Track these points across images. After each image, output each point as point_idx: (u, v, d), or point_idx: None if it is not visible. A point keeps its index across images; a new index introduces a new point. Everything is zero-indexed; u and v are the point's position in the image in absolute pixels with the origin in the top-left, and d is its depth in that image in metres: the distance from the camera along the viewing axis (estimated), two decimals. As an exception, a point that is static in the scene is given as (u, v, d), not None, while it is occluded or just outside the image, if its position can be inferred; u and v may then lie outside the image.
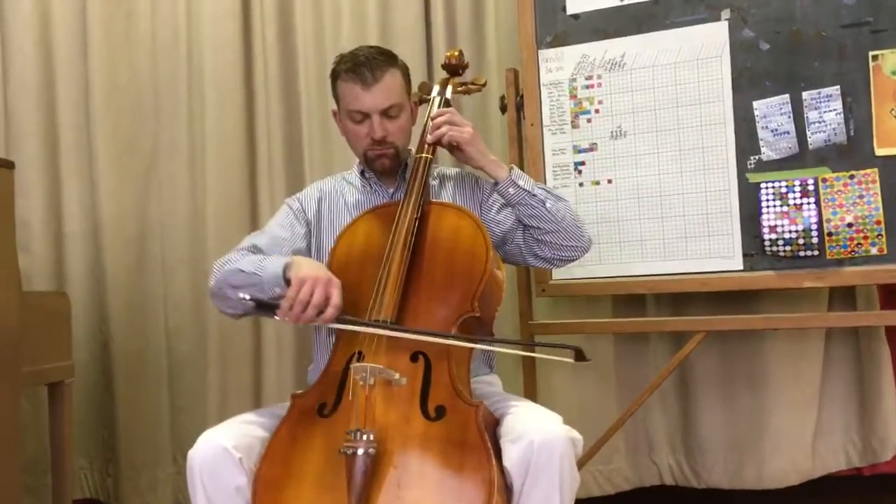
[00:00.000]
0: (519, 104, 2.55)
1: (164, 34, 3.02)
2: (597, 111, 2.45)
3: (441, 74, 2.12)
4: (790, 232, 2.24)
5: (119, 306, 2.99)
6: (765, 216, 2.27)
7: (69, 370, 2.53)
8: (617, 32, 2.42)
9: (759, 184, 2.28)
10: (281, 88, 2.96)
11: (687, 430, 2.73)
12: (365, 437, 1.46)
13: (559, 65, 2.48)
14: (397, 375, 1.55)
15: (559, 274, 2.46)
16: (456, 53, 2.10)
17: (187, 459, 1.58)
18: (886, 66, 2.18)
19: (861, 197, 2.19)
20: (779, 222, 2.25)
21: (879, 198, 2.18)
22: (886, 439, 2.58)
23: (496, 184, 1.85)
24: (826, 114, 2.22)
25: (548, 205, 1.82)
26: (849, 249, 2.20)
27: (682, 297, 2.61)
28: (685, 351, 2.38)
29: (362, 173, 1.99)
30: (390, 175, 1.95)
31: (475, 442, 1.47)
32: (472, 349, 1.70)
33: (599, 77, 2.44)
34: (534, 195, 1.82)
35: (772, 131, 2.27)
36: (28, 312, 2.28)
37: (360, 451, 1.44)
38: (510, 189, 1.82)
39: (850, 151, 2.21)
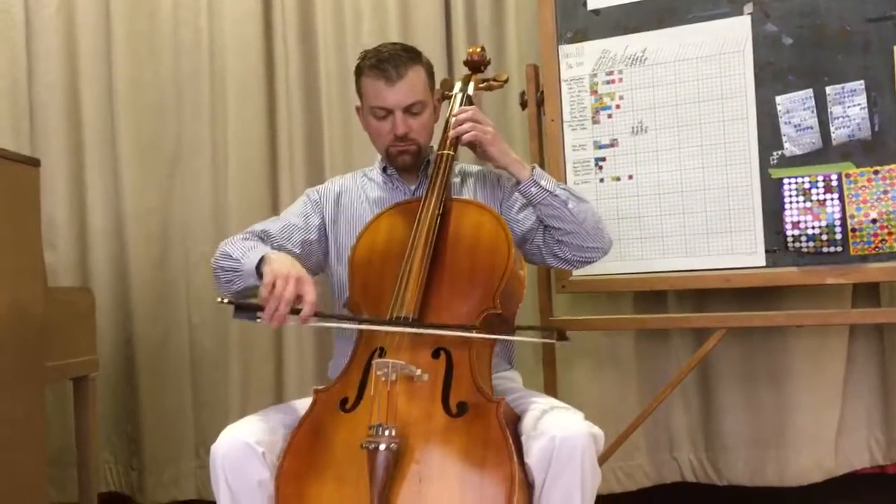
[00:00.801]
0: (539, 100, 2.54)
1: (187, 33, 3.05)
2: (617, 107, 2.44)
3: (463, 71, 2.12)
4: (813, 228, 2.22)
5: (142, 302, 3.03)
6: (787, 212, 2.25)
7: (93, 365, 2.56)
8: (638, 27, 2.40)
9: (781, 179, 2.27)
10: (302, 87, 2.98)
11: (708, 427, 2.72)
12: (387, 433, 1.46)
13: (580, 60, 2.48)
14: (419, 371, 1.55)
15: (579, 270, 2.44)
16: (478, 50, 2.10)
17: (210, 454, 1.59)
18: (911, 60, 2.15)
19: (885, 192, 2.17)
20: (802, 218, 2.24)
21: (904, 193, 2.16)
22: (910, 436, 2.56)
23: (518, 183, 1.85)
24: (850, 108, 2.20)
25: (570, 205, 1.82)
26: (873, 245, 2.18)
27: (703, 294, 2.60)
28: (706, 347, 2.37)
29: (384, 170, 2.00)
30: (412, 172, 1.96)
31: (497, 438, 1.47)
32: (492, 345, 1.71)
33: (620, 72, 2.43)
34: (556, 195, 1.82)
35: (795, 126, 2.25)
36: (53, 308, 2.31)
37: (382, 446, 1.45)
38: (532, 189, 1.82)
39: (875, 146, 2.18)
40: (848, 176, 2.20)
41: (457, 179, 1.98)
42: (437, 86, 2.06)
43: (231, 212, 2.98)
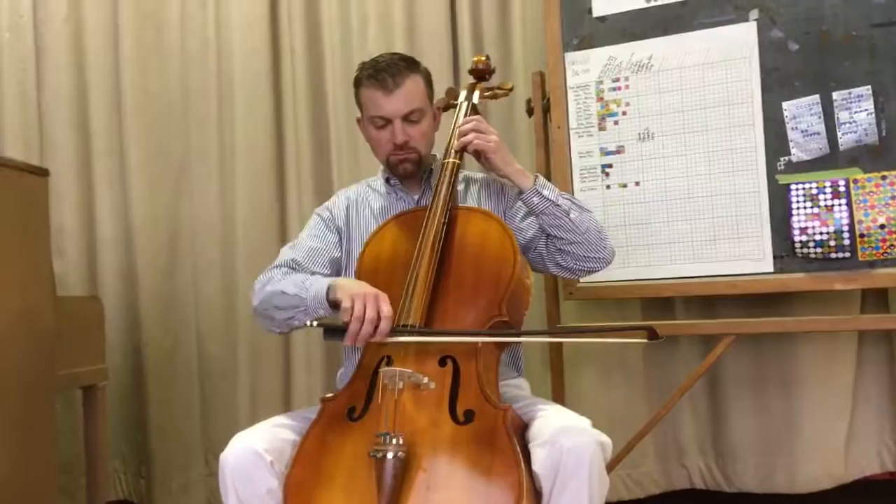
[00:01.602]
0: (545, 107, 2.55)
1: (194, 43, 3.07)
2: (624, 113, 2.44)
3: (468, 80, 2.13)
4: (821, 234, 2.22)
5: (151, 310, 3.04)
6: (795, 218, 2.25)
7: (103, 373, 2.57)
8: (644, 34, 2.41)
9: (789, 185, 2.26)
10: (309, 95, 2.99)
11: (717, 434, 2.72)
12: (394, 441, 1.46)
13: (586, 67, 2.48)
14: (426, 379, 1.55)
15: (587, 277, 2.43)
16: (483, 59, 2.11)
17: (219, 462, 1.59)
18: (918, 65, 2.15)
19: (893, 198, 2.16)
20: (809, 224, 2.23)
21: (912, 198, 2.15)
22: (921, 443, 2.55)
23: (521, 192, 1.85)
24: (857, 114, 2.20)
25: (572, 215, 1.82)
26: (881, 251, 2.17)
27: (711, 300, 2.59)
28: (715, 354, 2.36)
29: (387, 180, 2.00)
30: (415, 181, 1.96)
31: (504, 446, 1.47)
32: (499, 353, 1.71)
33: (626, 79, 2.44)
34: (558, 205, 1.82)
35: (802, 132, 2.25)
36: (62, 317, 2.32)
37: (390, 455, 1.45)
38: (534, 198, 1.82)
39: (882, 152, 2.18)
40: (856, 181, 2.20)
41: (461, 187, 1.98)
42: (443, 94, 2.07)
43: (239, 219, 3.00)
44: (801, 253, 2.24)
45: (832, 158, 2.22)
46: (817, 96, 2.23)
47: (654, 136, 2.41)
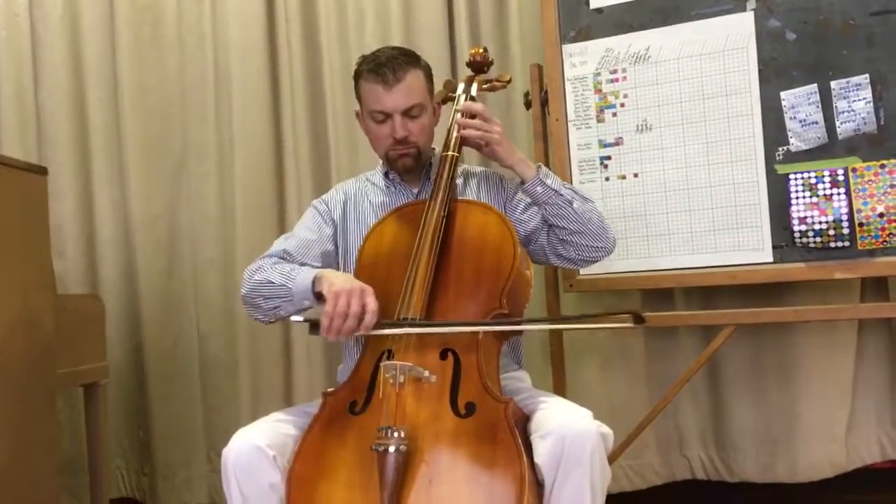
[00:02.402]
0: (543, 99, 2.54)
1: (191, 38, 3.06)
2: (622, 105, 2.44)
3: (466, 72, 2.12)
4: (820, 223, 2.22)
5: (151, 307, 3.04)
6: (794, 207, 2.25)
7: (104, 371, 2.57)
8: (641, 25, 2.40)
9: (787, 175, 2.26)
10: (306, 90, 2.99)
11: (718, 424, 2.72)
12: (396, 434, 1.47)
13: (583, 59, 2.48)
14: (427, 373, 1.56)
15: (586, 269, 2.44)
16: (480, 51, 2.10)
17: (222, 458, 1.60)
18: (916, 53, 2.15)
19: (893, 186, 2.16)
20: (808, 213, 2.23)
21: (911, 187, 2.15)
22: (922, 431, 2.55)
23: (523, 182, 1.85)
24: (855, 103, 2.19)
25: (574, 205, 1.82)
26: (880, 240, 2.17)
27: (711, 291, 2.59)
28: (715, 345, 2.37)
29: (386, 174, 2.00)
30: (414, 175, 1.96)
31: (505, 438, 1.48)
32: (500, 346, 1.71)
33: (624, 71, 2.43)
34: (561, 195, 1.82)
35: (800, 122, 2.25)
36: (63, 315, 2.32)
37: (392, 448, 1.45)
38: (538, 188, 1.82)
39: (881, 140, 2.18)
40: (854, 170, 2.20)
41: (460, 181, 1.98)
42: (441, 87, 2.06)
43: (238, 216, 3.00)
44: (801, 242, 2.24)
45: (831, 147, 2.22)
46: (815, 85, 2.23)
47: (652, 127, 2.41)
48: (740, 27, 2.30)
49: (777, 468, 2.63)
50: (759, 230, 2.30)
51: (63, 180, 3.04)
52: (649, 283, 2.44)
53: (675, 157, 2.38)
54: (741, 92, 2.31)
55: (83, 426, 2.65)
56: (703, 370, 2.63)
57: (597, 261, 1.91)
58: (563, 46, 2.49)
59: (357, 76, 1.91)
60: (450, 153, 1.86)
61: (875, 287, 2.52)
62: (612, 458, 1.60)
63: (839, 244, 2.20)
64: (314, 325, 1.63)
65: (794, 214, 2.24)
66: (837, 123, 2.21)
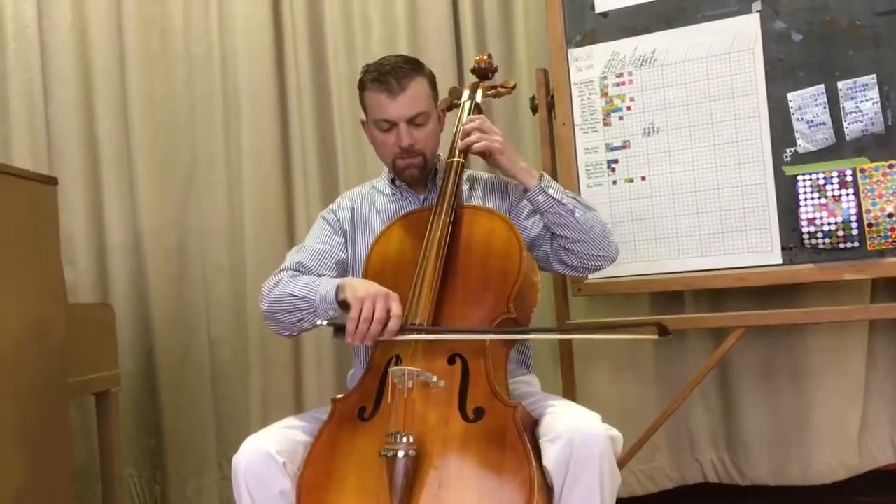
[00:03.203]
0: (550, 104, 2.55)
1: (199, 48, 3.08)
2: (628, 108, 2.44)
3: (471, 79, 2.13)
4: (829, 224, 2.21)
5: (161, 316, 3.05)
6: (803, 209, 2.24)
7: (115, 379, 2.59)
8: (647, 29, 2.41)
9: (795, 176, 2.26)
10: (314, 97, 3.00)
11: (729, 427, 2.71)
12: (405, 440, 1.47)
13: (589, 63, 2.48)
14: (435, 378, 1.56)
15: (595, 273, 2.43)
16: (485, 58, 2.11)
17: (232, 465, 1.60)
18: (923, 52, 2.14)
19: (901, 186, 2.16)
20: (817, 215, 2.23)
21: (920, 187, 2.14)
22: (936, 431, 2.54)
23: (526, 191, 1.85)
24: (863, 103, 2.19)
25: (576, 214, 1.82)
26: (890, 240, 2.16)
27: (720, 293, 2.58)
28: (725, 347, 2.36)
29: (392, 181, 2.01)
30: (420, 182, 1.97)
31: (514, 442, 1.48)
32: (508, 351, 1.72)
33: (630, 74, 2.44)
34: (563, 204, 1.82)
35: (807, 123, 2.24)
36: (74, 324, 2.34)
37: (401, 454, 1.45)
38: (539, 197, 1.82)
39: (889, 140, 2.17)
40: (863, 171, 2.19)
41: (465, 187, 1.98)
42: (446, 94, 2.07)
43: (247, 224, 3.01)
44: (810, 244, 2.23)
45: (839, 148, 2.22)
46: (822, 86, 2.23)
47: (659, 130, 2.41)
48: (746, 29, 2.30)
49: (789, 471, 2.62)
50: (767, 232, 2.29)
51: (73, 191, 3.06)
52: (658, 286, 2.44)
53: (682, 160, 2.38)
54: (748, 94, 2.30)
55: (95, 434, 2.65)
56: (714, 373, 2.62)
57: (599, 269, 1.91)
58: (569, 51, 2.50)
59: (361, 86, 1.92)
60: (455, 159, 1.86)
61: (885, 288, 2.51)
62: (622, 462, 1.60)
63: (848, 245, 2.20)
64: (339, 329, 1.64)
65: (803, 216, 2.24)
66: (845, 124, 2.21)
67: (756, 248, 2.31)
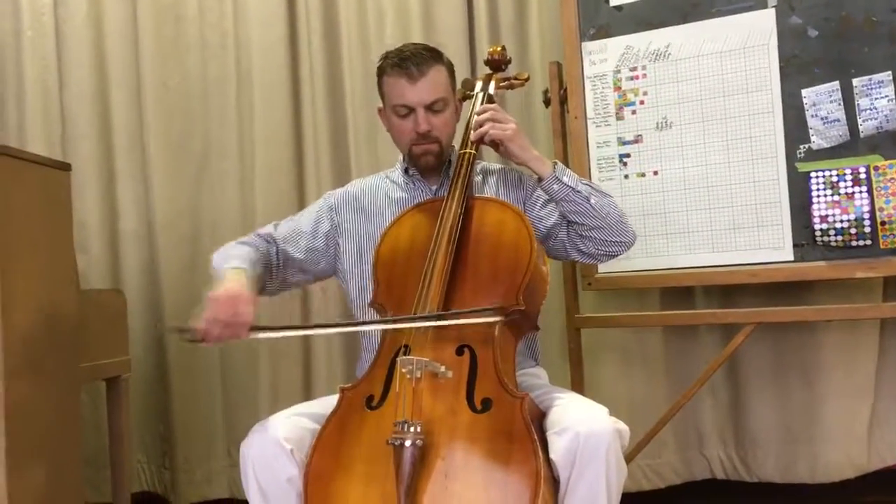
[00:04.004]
0: (563, 97, 2.54)
1: (213, 37, 3.09)
2: (641, 102, 2.43)
3: (484, 70, 2.13)
4: (842, 221, 2.20)
5: (173, 303, 3.07)
6: (815, 206, 2.23)
7: (126, 365, 2.60)
8: (661, 23, 2.40)
9: (808, 173, 2.25)
10: (327, 88, 3.00)
11: (738, 423, 2.70)
12: (412, 429, 1.47)
13: (603, 57, 2.47)
14: (443, 368, 1.56)
15: (605, 267, 2.44)
16: (498, 49, 2.11)
17: (240, 452, 1.61)
18: (940, 49, 2.12)
19: (915, 184, 2.14)
20: (830, 212, 2.22)
21: (934, 185, 2.13)
22: (945, 431, 2.53)
23: (540, 180, 1.85)
24: (878, 100, 2.17)
25: (592, 201, 1.82)
26: (903, 238, 2.16)
27: (731, 289, 2.58)
28: (735, 343, 2.35)
29: (406, 171, 2.01)
30: (434, 172, 1.97)
31: (521, 434, 1.48)
32: (516, 342, 1.72)
33: (644, 68, 2.43)
34: (578, 191, 1.82)
35: (822, 119, 2.23)
36: (86, 310, 2.35)
37: (408, 443, 1.46)
38: (554, 185, 1.82)
39: (903, 138, 2.16)
40: (876, 168, 2.18)
41: (478, 178, 1.98)
42: (459, 86, 2.06)
43: (258, 213, 3.01)
44: (822, 241, 2.22)
45: (852, 145, 2.20)
46: (837, 83, 2.21)
47: (672, 124, 2.40)
48: (761, 24, 2.29)
49: (797, 468, 2.61)
50: (779, 228, 2.28)
51: (86, 177, 3.08)
52: (669, 281, 2.43)
53: (695, 155, 2.37)
54: (762, 89, 2.29)
55: (105, 420, 2.67)
56: (723, 369, 2.61)
57: (617, 255, 1.90)
58: (583, 44, 2.49)
59: (380, 72, 1.92)
60: (467, 151, 1.86)
61: (897, 286, 2.50)
62: (630, 457, 1.60)
63: (861, 243, 2.18)
64: (186, 332, 1.64)
65: (816, 213, 2.23)
66: (859, 121, 2.19)
67: (768, 245, 2.30)
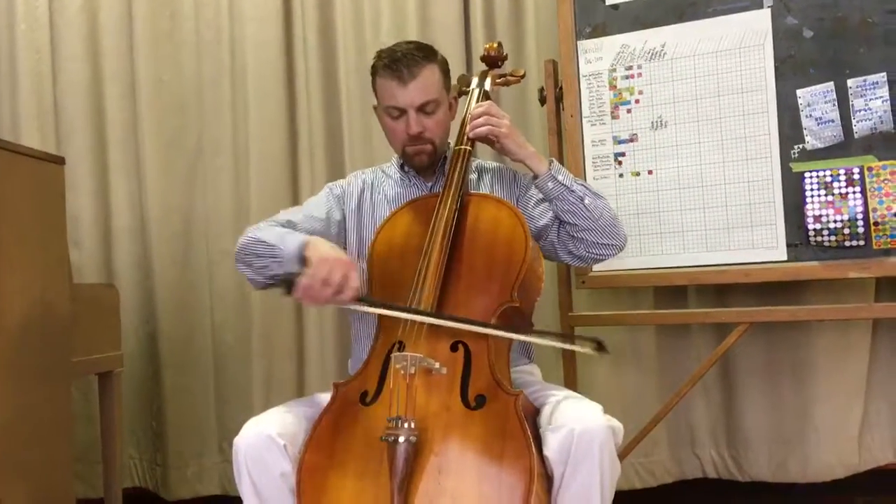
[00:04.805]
0: (558, 95, 2.54)
1: (208, 33, 3.08)
2: (637, 101, 2.44)
3: (480, 67, 2.13)
4: (835, 222, 2.21)
5: (166, 298, 3.06)
6: (809, 206, 2.24)
7: (118, 360, 2.59)
8: (657, 22, 2.40)
9: (802, 173, 2.25)
10: (322, 84, 3.00)
11: (730, 423, 2.71)
12: (406, 425, 1.47)
13: (598, 55, 2.47)
14: (437, 364, 1.56)
15: (599, 266, 2.44)
16: (494, 46, 2.10)
17: (233, 447, 1.61)
18: (935, 51, 2.13)
19: (909, 185, 2.15)
20: (823, 212, 2.22)
21: (928, 186, 2.14)
22: (936, 432, 2.54)
23: (535, 177, 1.85)
24: (872, 101, 2.18)
25: (586, 201, 1.82)
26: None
27: (724, 288, 2.59)
28: (728, 343, 2.36)
29: (402, 166, 2.00)
30: (429, 168, 1.96)
31: (515, 430, 1.48)
32: (511, 339, 1.71)
33: (639, 67, 2.43)
34: (572, 191, 1.81)
35: (816, 119, 2.24)
36: (78, 304, 2.34)
37: (402, 439, 1.46)
38: (549, 183, 1.82)
39: (897, 139, 2.17)
40: (870, 169, 2.19)
41: (473, 176, 1.98)
42: (454, 82, 2.06)
43: (252, 209, 3.01)
44: (815, 241, 2.23)
45: (847, 146, 2.21)
46: (832, 84, 2.22)
47: (667, 124, 2.41)
48: (757, 24, 2.29)
49: (789, 468, 2.62)
50: (773, 228, 2.29)
51: (80, 172, 3.07)
52: (662, 280, 2.44)
53: (689, 154, 2.38)
54: (757, 89, 2.30)
55: (97, 416, 2.67)
56: (716, 368, 2.62)
57: (606, 258, 1.90)
58: (579, 42, 2.49)
59: (373, 71, 1.91)
60: (462, 147, 1.86)
61: (890, 287, 2.50)
62: (622, 455, 1.60)
63: (854, 243, 2.19)
64: (290, 283, 1.59)
65: (809, 213, 2.23)
66: (854, 122, 2.20)
67: (761, 245, 2.30)
